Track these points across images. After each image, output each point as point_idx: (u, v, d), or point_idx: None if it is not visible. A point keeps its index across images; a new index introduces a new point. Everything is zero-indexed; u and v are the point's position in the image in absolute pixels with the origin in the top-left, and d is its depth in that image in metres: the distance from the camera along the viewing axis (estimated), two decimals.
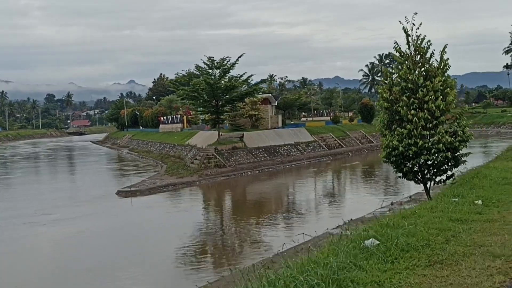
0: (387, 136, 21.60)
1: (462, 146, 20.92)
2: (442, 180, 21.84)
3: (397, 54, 21.45)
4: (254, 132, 66.46)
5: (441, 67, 21.12)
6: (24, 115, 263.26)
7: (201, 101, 60.03)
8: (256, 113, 69.47)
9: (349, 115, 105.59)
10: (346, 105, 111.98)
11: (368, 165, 62.63)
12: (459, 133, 20.71)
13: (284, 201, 41.32)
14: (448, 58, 21.32)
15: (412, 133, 20.29)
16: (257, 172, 56.52)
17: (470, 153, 22.01)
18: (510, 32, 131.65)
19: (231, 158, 58.10)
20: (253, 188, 48.56)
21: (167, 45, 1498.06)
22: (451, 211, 13.58)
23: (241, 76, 60.11)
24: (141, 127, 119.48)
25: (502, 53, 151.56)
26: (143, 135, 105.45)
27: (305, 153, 68.68)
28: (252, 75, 61.00)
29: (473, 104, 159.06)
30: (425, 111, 20.25)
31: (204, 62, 58.88)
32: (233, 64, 59.45)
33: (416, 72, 20.82)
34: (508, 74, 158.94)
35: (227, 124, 71.33)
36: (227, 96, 60.66)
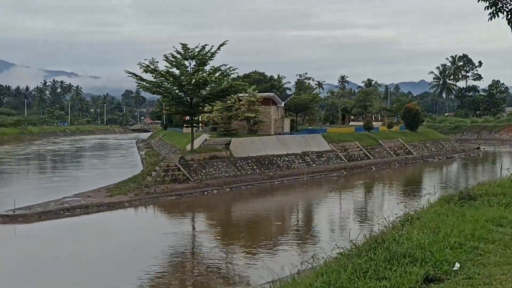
0: None
1: None
2: None
3: None
4: (246, 138, 53.14)
5: None
6: (97, 110, 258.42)
7: (169, 98, 47.47)
8: (254, 115, 55.92)
9: (388, 120, 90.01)
10: (395, 109, 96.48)
11: (377, 186, 48.71)
12: None
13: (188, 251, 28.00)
14: None
15: None
16: (228, 190, 43.32)
17: None
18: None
19: (202, 171, 45.16)
20: (190, 216, 35.54)
21: (250, 45, 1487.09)
22: None
23: (216, 68, 46.96)
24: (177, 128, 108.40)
25: None
26: (170, 136, 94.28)
27: (313, 165, 54.86)
28: (235, 68, 47.90)
29: None
30: None
31: (177, 51, 46.15)
32: (213, 54, 46.53)
33: None
34: None
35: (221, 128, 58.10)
36: (206, 93, 47.96)
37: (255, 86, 66.75)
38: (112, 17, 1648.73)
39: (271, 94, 60.70)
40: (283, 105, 61.42)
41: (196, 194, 41.06)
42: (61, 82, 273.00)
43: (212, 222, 33.61)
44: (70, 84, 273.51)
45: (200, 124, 74.79)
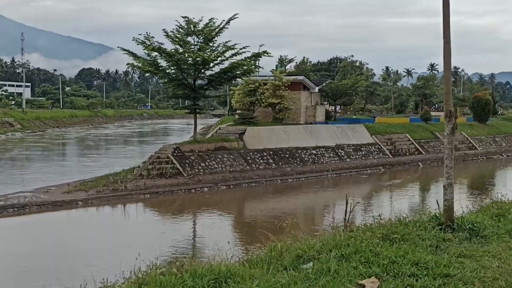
0: None
1: None
2: None
3: None
4: (266, 127, 45.61)
5: None
6: None
7: (167, 79, 40.63)
8: (278, 101, 48.21)
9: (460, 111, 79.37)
10: (467, 99, 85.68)
11: (400, 190, 40.06)
12: None
13: None
14: None
15: None
16: (224, 188, 36.25)
17: None
18: None
19: (200, 164, 38.25)
20: (148, 220, 28.46)
21: (346, 32, 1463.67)
22: None
23: (226, 45, 39.61)
24: None
25: None
26: (225, 122, 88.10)
27: (347, 160, 46.90)
28: (245, 46, 40.28)
29: None
30: None
31: (179, 26, 39.28)
32: (220, 30, 39.41)
33: None
34: None
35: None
36: (212, 74, 40.96)
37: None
38: (209, 4, 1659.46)
39: (301, 77, 52.54)
40: (317, 91, 53.21)
41: (179, 192, 34.19)
42: None
43: (173, 232, 26.54)
44: None
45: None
